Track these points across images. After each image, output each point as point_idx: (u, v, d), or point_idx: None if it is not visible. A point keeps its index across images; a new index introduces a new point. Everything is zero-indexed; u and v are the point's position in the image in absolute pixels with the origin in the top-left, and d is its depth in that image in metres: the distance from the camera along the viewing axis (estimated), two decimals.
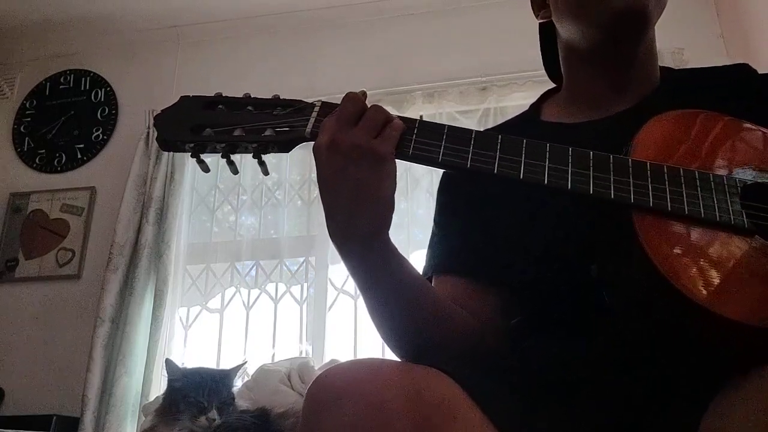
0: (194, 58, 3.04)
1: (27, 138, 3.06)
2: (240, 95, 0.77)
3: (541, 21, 0.94)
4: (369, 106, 0.69)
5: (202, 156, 0.73)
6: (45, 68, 3.17)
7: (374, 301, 0.74)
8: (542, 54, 0.98)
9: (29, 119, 3.10)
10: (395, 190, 0.68)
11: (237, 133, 0.71)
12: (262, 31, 3.02)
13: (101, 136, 2.99)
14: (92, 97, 3.08)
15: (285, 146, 0.72)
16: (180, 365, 1.78)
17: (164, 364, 1.76)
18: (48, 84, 3.15)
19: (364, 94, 0.70)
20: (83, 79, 3.13)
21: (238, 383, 1.83)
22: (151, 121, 2.71)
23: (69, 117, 3.06)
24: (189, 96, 0.77)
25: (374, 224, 0.68)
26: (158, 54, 3.09)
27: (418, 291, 0.75)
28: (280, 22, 2.99)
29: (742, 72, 0.87)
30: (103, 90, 3.08)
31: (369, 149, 0.65)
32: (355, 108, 0.67)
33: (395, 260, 0.72)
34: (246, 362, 1.94)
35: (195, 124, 0.73)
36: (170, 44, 3.08)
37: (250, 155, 0.72)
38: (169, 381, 1.72)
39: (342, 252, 0.70)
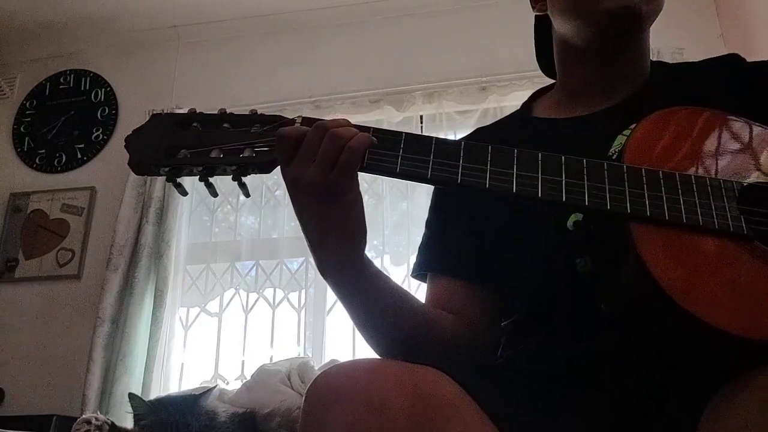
0: (194, 58, 3.04)
1: (27, 138, 3.06)
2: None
3: (538, 14, 0.94)
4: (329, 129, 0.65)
5: (179, 180, 0.70)
6: (45, 68, 3.17)
7: (355, 318, 0.76)
8: (536, 47, 0.98)
9: (29, 119, 3.10)
10: (363, 217, 0.68)
11: (214, 154, 0.68)
12: (262, 31, 3.02)
13: (101, 136, 2.99)
14: (92, 97, 3.08)
15: (265, 168, 0.69)
16: (144, 398, 1.69)
17: (128, 399, 1.67)
18: (48, 84, 3.15)
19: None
20: (83, 79, 3.13)
21: (215, 403, 1.76)
22: None
23: (69, 117, 3.06)
24: (160, 114, 0.73)
25: (344, 255, 0.69)
26: (158, 54, 3.09)
27: (397, 307, 0.75)
28: (280, 22, 2.99)
29: (731, 62, 0.87)
30: (103, 90, 3.08)
31: (325, 186, 0.64)
32: (312, 142, 0.65)
33: (371, 280, 0.73)
34: (216, 386, 1.88)
35: (169, 145, 0.69)
36: (170, 44, 3.08)
37: (230, 177, 0.69)
38: (135, 418, 1.63)
39: (321, 274, 0.72)
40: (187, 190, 0.74)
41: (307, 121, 0.69)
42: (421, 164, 0.65)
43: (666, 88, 0.83)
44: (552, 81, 0.97)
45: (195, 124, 0.71)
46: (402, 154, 0.66)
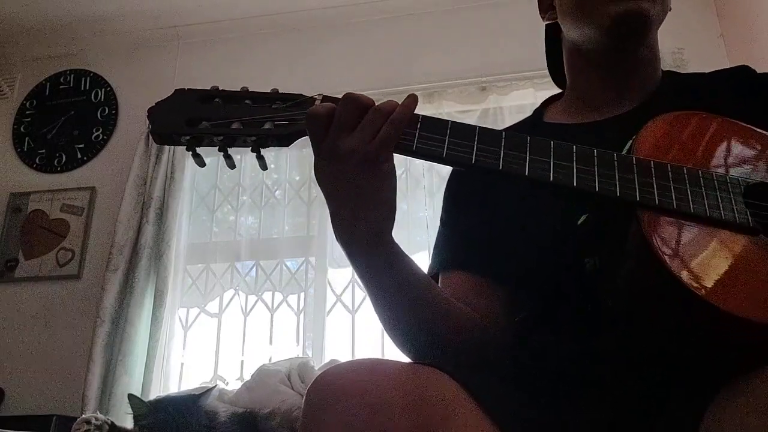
0: (194, 58, 3.04)
1: (27, 138, 3.07)
2: (241, 88, 0.75)
3: (547, 22, 0.94)
4: (373, 104, 0.67)
5: (198, 150, 0.71)
6: (45, 68, 3.17)
7: (379, 300, 0.75)
8: (547, 56, 0.98)
9: (29, 119, 3.10)
10: (396, 191, 0.69)
11: (235, 126, 0.69)
12: (262, 31, 3.02)
13: (101, 136, 3.00)
14: (92, 97, 3.08)
15: (285, 140, 0.70)
16: (144, 399, 1.70)
17: (127, 399, 1.68)
18: (48, 84, 3.15)
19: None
20: (83, 79, 3.13)
21: (215, 403, 1.77)
22: None
23: (69, 117, 3.07)
24: (184, 89, 0.74)
25: (376, 228, 0.69)
26: (158, 54, 3.09)
27: (422, 290, 0.75)
28: (279, 22, 2.99)
29: (742, 74, 0.88)
30: (103, 90, 3.08)
31: (366, 154, 0.65)
32: (353, 111, 0.66)
33: (399, 260, 0.73)
34: (216, 386, 1.88)
35: (191, 117, 0.71)
36: (170, 44, 3.08)
37: (249, 150, 0.71)
38: (135, 418, 1.64)
39: (347, 253, 0.71)
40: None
41: (327, 98, 0.71)
42: (437, 144, 0.66)
43: (676, 97, 0.84)
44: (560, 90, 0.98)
45: (217, 100, 0.72)
46: (419, 133, 0.67)
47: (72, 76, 3.15)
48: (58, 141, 3.03)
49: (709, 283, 0.56)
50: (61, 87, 3.13)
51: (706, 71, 0.91)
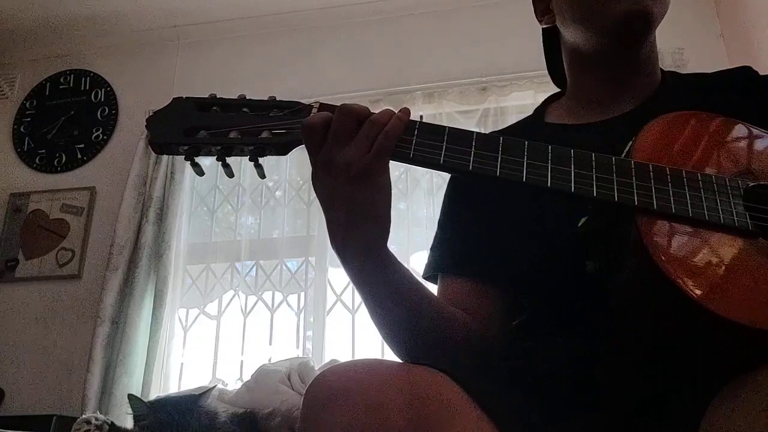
0: (194, 58, 3.04)
1: (27, 138, 3.07)
2: (238, 95, 0.76)
3: (545, 26, 0.94)
4: (369, 115, 0.67)
5: (197, 159, 0.72)
6: (45, 68, 3.17)
7: (374, 308, 0.76)
8: (546, 58, 0.98)
9: (29, 119, 3.10)
10: (390, 202, 0.69)
11: (232, 135, 0.70)
12: (261, 31, 3.02)
13: (101, 136, 3.00)
14: (92, 97, 3.08)
15: (282, 149, 0.71)
16: (144, 399, 1.70)
17: (127, 399, 1.68)
18: (48, 84, 3.15)
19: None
20: (83, 79, 3.13)
21: (215, 404, 1.77)
22: None
23: (69, 117, 3.07)
24: (182, 98, 0.75)
25: (370, 239, 0.69)
26: (158, 54, 3.09)
27: (416, 298, 0.75)
28: (279, 22, 2.99)
29: (744, 74, 0.88)
30: (103, 90, 3.08)
31: (361, 167, 0.65)
32: (348, 122, 0.66)
33: (393, 269, 0.73)
34: (215, 386, 1.89)
35: (189, 127, 0.71)
36: (170, 44, 3.09)
37: (247, 158, 0.71)
38: (135, 419, 1.64)
39: (341, 260, 0.72)
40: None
41: (324, 106, 0.71)
42: (435, 151, 0.66)
43: (677, 97, 0.84)
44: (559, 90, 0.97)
45: (215, 108, 0.73)
46: (416, 140, 0.67)
47: (72, 76, 3.15)
48: (58, 141, 3.03)
49: (707, 288, 0.56)
50: (61, 87, 3.13)
51: (707, 71, 0.91)
